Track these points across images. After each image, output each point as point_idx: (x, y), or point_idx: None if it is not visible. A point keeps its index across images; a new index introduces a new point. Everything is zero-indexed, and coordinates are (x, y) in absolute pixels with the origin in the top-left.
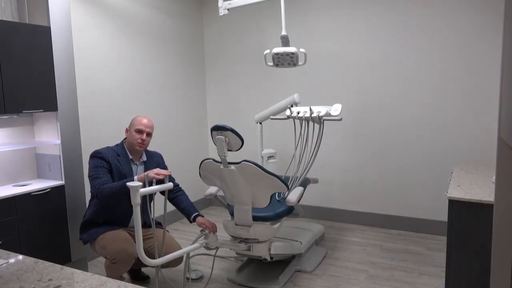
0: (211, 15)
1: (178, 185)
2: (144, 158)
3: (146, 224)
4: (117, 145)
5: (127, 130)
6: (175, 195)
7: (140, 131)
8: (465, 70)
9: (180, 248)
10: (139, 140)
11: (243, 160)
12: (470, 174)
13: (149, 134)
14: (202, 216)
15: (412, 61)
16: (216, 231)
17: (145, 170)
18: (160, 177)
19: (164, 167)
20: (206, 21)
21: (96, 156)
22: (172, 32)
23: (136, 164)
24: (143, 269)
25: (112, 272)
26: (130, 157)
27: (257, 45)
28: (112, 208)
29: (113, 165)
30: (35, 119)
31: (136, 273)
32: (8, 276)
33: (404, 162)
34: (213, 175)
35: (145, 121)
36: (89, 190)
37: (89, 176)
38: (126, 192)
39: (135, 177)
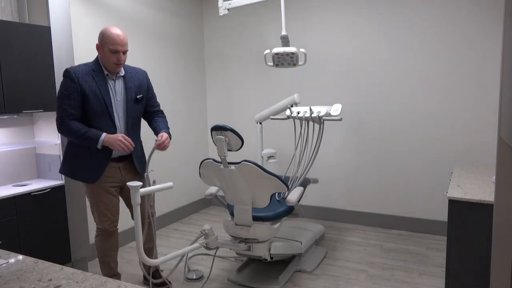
0: (211, 15)
1: (158, 106)
2: (122, 72)
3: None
4: (92, 61)
5: (98, 46)
6: (154, 117)
7: (115, 51)
8: (465, 70)
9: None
10: (116, 61)
11: (243, 160)
12: (470, 174)
13: (125, 52)
14: (168, 134)
15: (412, 62)
16: (163, 148)
17: (125, 85)
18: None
19: (148, 85)
20: (206, 21)
21: (66, 76)
22: (172, 32)
23: (113, 79)
24: (165, 275)
25: (102, 247)
26: (106, 72)
27: (257, 45)
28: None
29: (86, 86)
30: (35, 119)
31: (154, 277)
32: (8, 276)
33: (404, 162)
34: (213, 175)
35: (119, 38)
36: None
37: (57, 98)
38: (88, 143)
39: (102, 136)
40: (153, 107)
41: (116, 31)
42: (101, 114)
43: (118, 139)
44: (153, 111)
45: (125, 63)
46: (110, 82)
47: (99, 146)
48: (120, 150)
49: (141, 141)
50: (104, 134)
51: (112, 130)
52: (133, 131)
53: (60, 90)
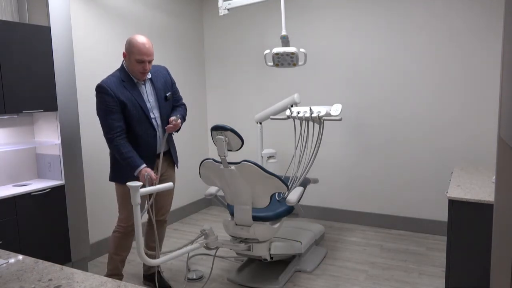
0: (211, 15)
1: (181, 100)
2: (149, 75)
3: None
4: (119, 70)
5: (125, 55)
6: (175, 108)
7: (141, 61)
8: (465, 70)
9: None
10: (142, 70)
11: (243, 160)
12: (470, 174)
13: (150, 61)
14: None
15: (412, 61)
16: (174, 127)
17: (153, 86)
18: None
19: (171, 80)
20: (206, 21)
21: (102, 92)
22: (172, 32)
23: (142, 84)
24: (166, 277)
25: (115, 244)
26: (135, 80)
27: (257, 45)
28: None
29: (123, 97)
30: (35, 119)
31: (154, 279)
32: (8, 276)
33: (404, 162)
34: (213, 175)
35: (145, 49)
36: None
37: (98, 115)
38: (128, 167)
39: (141, 167)
40: (176, 102)
41: (142, 40)
42: (140, 119)
43: (142, 175)
44: (176, 105)
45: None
46: (141, 88)
47: (135, 174)
48: (144, 182)
49: (172, 135)
50: (143, 166)
51: (153, 132)
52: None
53: (100, 106)
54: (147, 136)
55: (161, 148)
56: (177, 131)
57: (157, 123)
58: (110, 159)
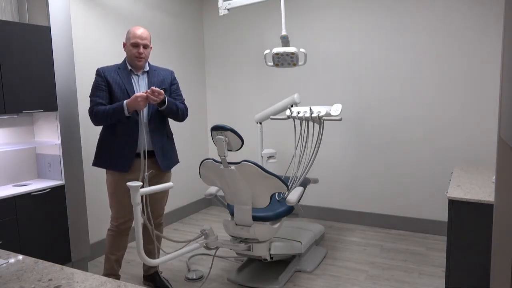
0: (211, 15)
1: (182, 101)
2: (146, 68)
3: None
4: (121, 62)
5: (124, 45)
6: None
7: (136, 45)
8: (465, 70)
9: (162, 209)
10: (137, 54)
11: (243, 160)
12: (470, 174)
13: (146, 46)
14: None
15: (412, 61)
16: (155, 99)
17: (149, 80)
18: (155, 98)
19: (172, 81)
20: (206, 21)
21: (96, 74)
22: (172, 32)
23: (137, 75)
24: (164, 277)
25: (110, 243)
26: (129, 68)
27: (257, 45)
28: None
29: (111, 79)
30: (35, 119)
31: (154, 279)
32: (8, 276)
33: (404, 162)
34: (213, 175)
35: (139, 32)
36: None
37: (89, 96)
38: (117, 116)
39: (124, 103)
40: (175, 100)
41: (138, 28)
42: None
43: (136, 98)
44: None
45: (153, 64)
46: (134, 77)
47: (126, 113)
48: (143, 104)
49: (168, 138)
50: (125, 101)
51: (135, 119)
52: (158, 124)
53: (92, 86)
54: (127, 125)
55: (144, 141)
56: (161, 106)
57: (142, 115)
58: (96, 146)
